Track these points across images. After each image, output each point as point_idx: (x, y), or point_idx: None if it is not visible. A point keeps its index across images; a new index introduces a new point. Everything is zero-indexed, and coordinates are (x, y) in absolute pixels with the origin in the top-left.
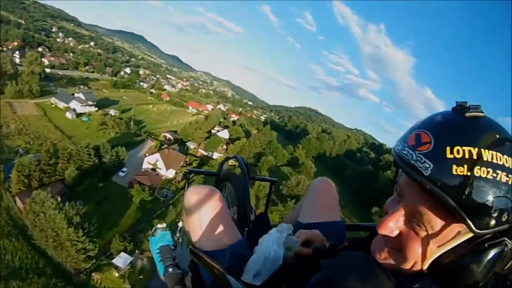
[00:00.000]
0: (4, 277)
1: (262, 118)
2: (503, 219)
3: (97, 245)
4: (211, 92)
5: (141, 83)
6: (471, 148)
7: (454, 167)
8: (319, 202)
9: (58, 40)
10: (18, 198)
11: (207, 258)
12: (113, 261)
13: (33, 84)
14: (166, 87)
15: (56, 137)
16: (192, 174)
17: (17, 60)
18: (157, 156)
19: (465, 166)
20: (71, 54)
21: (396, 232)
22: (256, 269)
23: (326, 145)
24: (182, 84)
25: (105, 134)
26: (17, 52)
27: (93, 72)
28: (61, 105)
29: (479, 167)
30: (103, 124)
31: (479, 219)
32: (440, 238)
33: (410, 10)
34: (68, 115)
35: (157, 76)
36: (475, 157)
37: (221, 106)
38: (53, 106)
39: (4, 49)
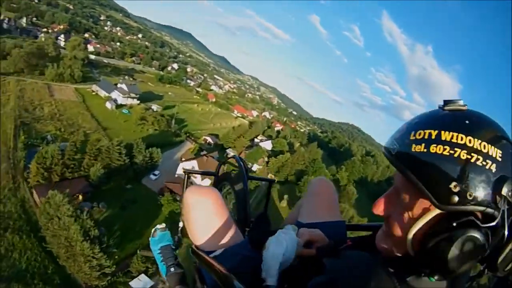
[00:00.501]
0: (7, 277)
1: (306, 130)
2: (469, 197)
3: (115, 261)
4: (257, 97)
5: (188, 81)
6: (431, 131)
7: (413, 145)
8: (319, 202)
9: (105, 28)
10: (35, 191)
11: (208, 258)
12: (131, 283)
13: (75, 69)
14: (213, 87)
15: (90, 127)
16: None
17: (62, 44)
18: (193, 163)
19: (423, 144)
20: (118, 43)
21: (386, 213)
22: (276, 272)
23: (369, 170)
24: (229, 86)
25: (143, 129)
26: (62, 36)
27: (139, 64)
28: (102, 93)
29: (435, 145)
30: (142, 119)
31: (440, 194)
32: (412, 214)
33: (459, 32)
34: (108, 105)
35: (205, 75)
36: (433, 137)
37: (266, 114)
38: (93, 93)
39: (49, 31)
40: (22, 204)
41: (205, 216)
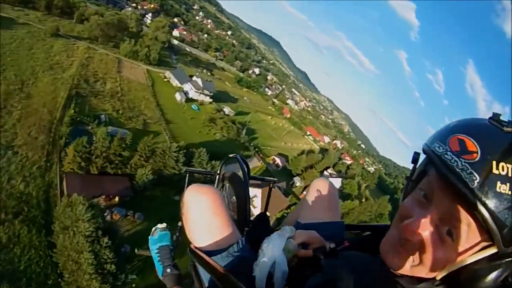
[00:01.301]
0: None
1: (372, 169)
2: None
3: None
4: (330, 121)
5: (266, 89)
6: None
7: (499, 184)
8: (319, 203)
9: (197, 18)
10: (65, 180)
11: (207, 258)
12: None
13: (152, 50)
14: (289, 101)
15: (152, 116)
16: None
17: (148, 21)
18: (257, 191)
19: (508, 184)
20: (205, 35)
21: (423, 237)
22: (266, 275)
23: None
24: (305, 104)
25: (210, 133)
26: (149, 14)
27: (222, 60)
28: (175, 82)
29: None
30: (211, 121)
31: (507, 238)
32: (465, 250)
33: None
34: (178, 96)
35: (283, 86)
36: None
37: (338, 142)
38: (165, 80)
39: (138, 7)
40: (47, 190)
41: (204, 215)
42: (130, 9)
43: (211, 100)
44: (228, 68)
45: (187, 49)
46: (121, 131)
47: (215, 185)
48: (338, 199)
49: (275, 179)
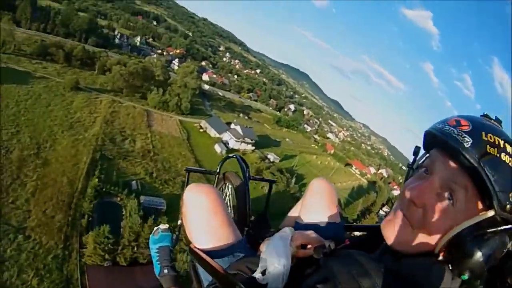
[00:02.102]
0: None
1: None
2: None
3: None
4: (369, 148)
5: (305, 125)
6: (499, 139)
7: (488, 146)
8: (318, 203)
9: (224, 59)
10: (87, 275)
11: (206, 258)
12: None
13: (183, 98)
14: (329, 135)
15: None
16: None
17: (175, 67)
18: None
19: (496, 149)
20: (235, 76)
21: (421, 201)
22: (280, 282)
23: None
24: (343, 134)
25: (257, 186)
26: (176, 60)
27: (256, 100)
28: (212, 132)
29: (504, 154)
30: (258, 173)
31: (502, 200)
32: (464, 213)
33: None
34: (217, 148)
35: (320, 119)
36: (502, 146)
37: (383, 171)
38: (201, 131)
39: (164, 53)
40: (65, 286)
41: (204, 215)
42: (155, 56)
43: (253, 148)
44: (264, 109)
45: (220, 93)
46: (157, 201)
47: (215, 184)
48: (337, 199)
49: (274, 179)
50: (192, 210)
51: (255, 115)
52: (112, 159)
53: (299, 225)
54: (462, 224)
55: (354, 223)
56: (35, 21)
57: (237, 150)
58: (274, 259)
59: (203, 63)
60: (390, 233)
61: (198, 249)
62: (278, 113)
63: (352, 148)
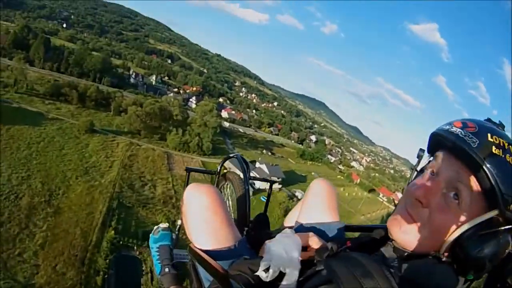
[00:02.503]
0: None
1: None
2: None
3: None
4: (393, 171)
5: (329, 156)
6: (504, 141)
7: (494, 147)
8: (318, 203)
9: (241, 94)
10: None
11: (206, 258)
12: None
13: (204, 138)
14: (353, 163)
15: None
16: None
17: (193, 105)
18: None
19: (501, 150)
20: (254, 110)
21: (426, 201)
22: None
23: None
24: (366, 160)
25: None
26: (193, 98)
27: (277, 135)
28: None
29: (509, 155)
30: (287, 213)
31: (505, 199)
32: (469, 213)
33: None
34: None
35: (342, 148)
36: (506, 147)
37: None
38: (225, 171)
39: (180, 91)
40: None
41: (204, 214)
42: (171, 94)
43: (280, 186)
44: (287, 143)
45: (240, 129)
46: (182, 254)
47: (215, 184)
48: (337, 199)
49: (274, 180)
50: (192, 209)
51: (278, 150)
52: (131, 207)
53: (299, 226)
54: (467, 224)
55: (355, 224)
56: (48, 60)
57: (264, 190)
58: (283, 255)
59: (221, 99)
60: (396, 231)
61: (198, 248)
62: (300, 145)
63: (377, 174)
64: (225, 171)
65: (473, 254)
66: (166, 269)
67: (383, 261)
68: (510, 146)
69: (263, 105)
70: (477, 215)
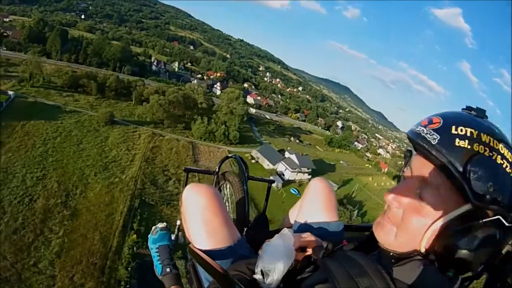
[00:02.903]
0: None
1: None
2: (499, 199)
3: None
4: None
5: (356, 143)
6: (473, 130)
7: (457, 140)
8: (317, 203)
9: (265, 79)
10: None
11: (205, 258)
12: None
13: (231, 126)
14: (380, 151)
15: None
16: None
17: (217, 92)
18: None
19: (466, 141)
20: (279, 96)
21: (399, 203)
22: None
23: None
24: (391, 147)
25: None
26: (218, 84)
27: (304, 121)
28: (265, 163)
29: (478, 144)
30: None
31: (478, 191)
32: (443, 210)
33: None
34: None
35: (367, 133)
36: (475, 136)
37: None
38: (253, 162)
39: (204, 77)
40: None
41: (203, 215)
42: (195, 81)
43: (309, 176)
44: (314, 129)
45: (267, 116)
46: None
47: (214, 184)
48: (336, 199)
49: (274, 179)
50: (191, 210)
51: (305, 137)
52: (154, 205)
53: (298, 226)
54: (441, 220)
55: (353, 224)
56: (66, 52)
57: (293, 181)
58: (274, 259)
59: (245, 85)
60: (378, 235)
61: (198, 249)
62: (327, 132)
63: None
64: (224, 171)
65: (448, 250)
66: (167, 269)
67: (380, 260)
68: (482, 134)
69: (287, 90)
70: (449, 210)
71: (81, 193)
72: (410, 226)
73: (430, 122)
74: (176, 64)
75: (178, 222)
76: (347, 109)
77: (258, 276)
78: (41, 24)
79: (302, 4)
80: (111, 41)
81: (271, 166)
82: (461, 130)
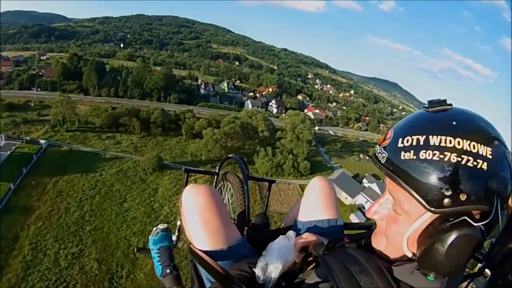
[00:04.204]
0: None
1: None
2: (462, 198)
3: None
4: None
5: None
6: (419, 136)
7: (402, 153)
8: (317, 201)
9: (315, 87)
10: None
11: (206, 258)
12: None
13: (299, 155)
14: None
15: None
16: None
17: (273, 110)
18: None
19: (412, 151)
20: (333, 103)
21: (379, 216)
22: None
23: None
24: None
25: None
26: (273, 102)
27: (366, 130)
28: (342, 196)
29: (424, 151)
30: None
31: (432, 199)
32: (410, 219)
33: None
34: (355, 219)
35: None
36: (421, 143)
37: None
38: (224, 172)
39: (257, 95)
40: None
41: (203, 215)
42: (249, 102)
43: None
44: (379, 139)
45: (331, 132)
46: None
47: (214, 185)
48: (336, 197)
49: (274, 179)
50: (191, 211)
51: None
52: None
53: (298, 224)
54: (411, 228)
55: (353, 222)
56: (104, 86)
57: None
58: (274, 257)
59: (299, 97)
60: (374, 244)
61: (198, 249)
62: None
63: None
64: (224, 172)
65: (424, 255)
66: (168, 270)
67: (380, 258)
68: (431, 136)
69: (340, 95)
70: (416, 218)
71: (127, 275)
72: (391, 234)
73: (384, 138)
74: (225, 84)
75: (178, 223)
76: (400, 107)
77: (257, 271)
78: (75, 59)
79: (338, 4)
80: (153, 67)
81: (351, 201)
82: (407, 141)
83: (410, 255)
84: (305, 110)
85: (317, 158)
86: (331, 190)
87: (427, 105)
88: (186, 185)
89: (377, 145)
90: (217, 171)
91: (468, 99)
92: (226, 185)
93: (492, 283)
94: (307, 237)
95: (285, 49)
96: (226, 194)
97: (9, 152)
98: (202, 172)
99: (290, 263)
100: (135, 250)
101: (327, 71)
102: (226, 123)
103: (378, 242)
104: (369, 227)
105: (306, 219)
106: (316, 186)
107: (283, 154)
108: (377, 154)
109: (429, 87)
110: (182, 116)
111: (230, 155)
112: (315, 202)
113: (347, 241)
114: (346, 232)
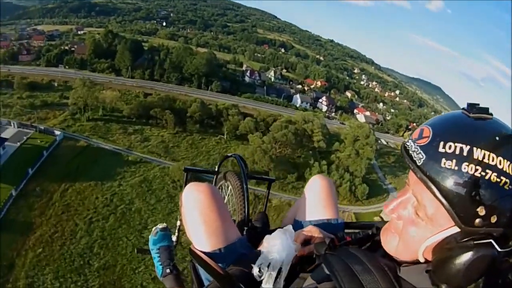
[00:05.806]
0: None
1: None
2: (493, 221)
3: None
4: None
5: None
6: (463, 145)
7: (443, 160)
8: (318, 200)
9: (362, 83)
10: None
11: (206, 258)
12: None
13: (356, 176)
14: None
15: None
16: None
17: (323, 108)
18: None
19: (454, 160)
20: (380, 104)
21: (397, 215)
22: (277, 271)
23: None
24: None
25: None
26: (323, 99)
27: None
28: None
29: (467, 164)
30: None
31: (465, 214)
32: (433, 227)
33: None
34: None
35: None
36: (465, 154)
37: None
38: (224, 171)
39: (305, 88)
40: None
41: (203, 215)
42: (298, 96)
43: None
44: None
45: (383, 141)
46: None
47: (214, 184)
48: (336, 196)
49: (273, 178)
50: (191, 210)
51: None
52: None
53: (298, 222)
54: (432, 238)
55: (354, 221)
56: (138, 67)
57: None
58: (273, 254)
59: (348, 94)
60: (383, 241)
61: (198, 250)
62: None
63: None
64: (224, 170)
65: (441, 265)
66: (168, 270)
67: (382, 257)
68: (475, 148)
69: (385, 95)
70: (441, 230)
71: None
72: (408, 237)
73: (420, 135)
74: (272, 73)
75: (178, 223)
76: (442, 113)
77: (255, 271)
78: (110, 36)
79: None
80: (196, 48)
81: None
82: (450, 147)
83: (422, 260)
84: (355, 111)
85: (371, 175)
86: (331, 188)
87: (467, 109)
88: (186, 184)
89: (410, 140)
90: (216, 169)
91: (508, 112)
92: (226, 184)
93: (490, 281)
94: (311, 229)
95: (332, 40)
96: (226, 193)
97: (18, 144)
98: (202, 171)
99: (289, 259)
100: (135, 251)
101: (372, 67)
102: (277, 127)
103: (389, 240)
104: (370, 226)
105: (306, 218)
106: (316, 184)
107: (339, 171)
108: (411, 152)
109: (470, 93)
110: (225, 112)
111: (229, 154)
112: (315, 201)
113: (349, 239)
114: (346, 231)
